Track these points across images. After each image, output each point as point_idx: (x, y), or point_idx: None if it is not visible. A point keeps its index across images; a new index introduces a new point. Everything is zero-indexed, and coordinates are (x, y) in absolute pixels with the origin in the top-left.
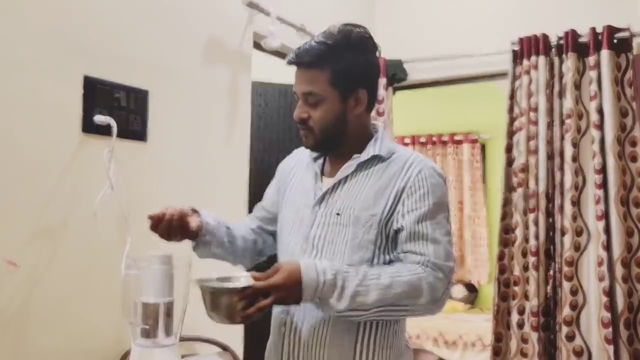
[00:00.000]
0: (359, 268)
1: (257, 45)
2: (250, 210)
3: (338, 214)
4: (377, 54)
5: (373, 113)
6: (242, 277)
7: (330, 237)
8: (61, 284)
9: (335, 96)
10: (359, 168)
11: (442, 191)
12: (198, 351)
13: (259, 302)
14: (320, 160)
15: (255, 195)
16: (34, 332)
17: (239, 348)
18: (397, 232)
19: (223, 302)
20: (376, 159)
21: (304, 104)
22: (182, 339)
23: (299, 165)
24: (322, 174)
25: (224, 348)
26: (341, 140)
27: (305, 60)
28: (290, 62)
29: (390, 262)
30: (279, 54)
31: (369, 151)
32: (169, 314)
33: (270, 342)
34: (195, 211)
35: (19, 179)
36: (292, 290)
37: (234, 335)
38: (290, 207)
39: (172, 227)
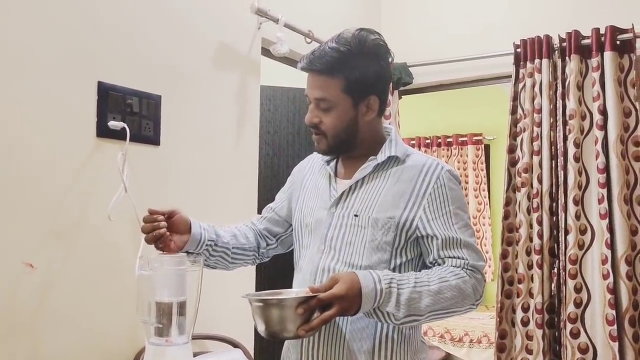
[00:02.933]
0: (408, 274)
1: (266, 51)
2: (259, 213)
3: (356, 216)
4: (390, 60)
5: None
6: (293, 292)
7: (348, 238)
8: (76, 285)
9: (348, 103)
10: (375, 169)
11: (460, 194)
12: (210, 349)
13: (322, 314)
14: (333, 163)
15: (265, 198)
16: (50, 332)
17: (250, 346)
18: (426, 238)
19: (285, 315)
20: (392, 160)
21: (315, 109)
22: (195, 337)
23: (312, 169)
24: (336, 175)
25: (236, 345)
26: (353, 144)
27: (318, 67)
28: (303, 69)
29: (408, 262)
30: (287, 59)
31: (385, 152)
32: (182, 312)
33: (289, 340)
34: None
35: (35, 183)
36: (353, 301)
37: (246, 332)
38: (305, 209)
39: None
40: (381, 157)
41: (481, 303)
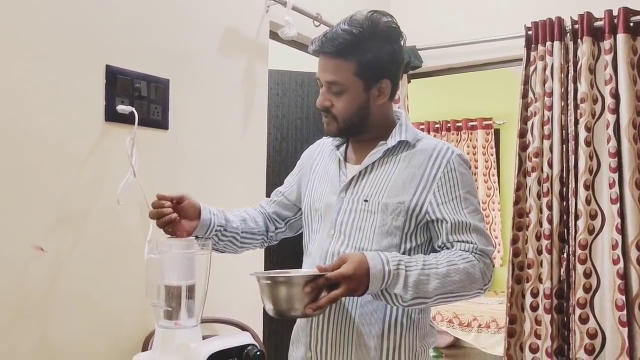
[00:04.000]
0: (417, 257)
1: (274, 35)
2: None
3: (366, 201)
4: (402, 42)
5: None
6: (302, 271)
7: (358, 223)
8: (85, 269)
9: (360, 86)
10: (385, 154)
11: (470, 179)
12: (219, 332)
13: (330, 293)
14: (343, 148)
15: (273, 183)
16: (59, 315)
17: (259, 330)
18: (435, 222)
19: (289, 293)
20: (402, 145)
21: (327, 92)
22: (203, 321)
23: (322, 154)
24: (346, 160)
25: (245, 329)
26: (364, 128)
27: (330, 49)
28: (315, 52)
29: (418, 247)
30: (296, 43)
31: (395, 137)
32: (191, 296)
33: (298, 324)
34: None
35: (44, 167)
36: (361, 281)
37: (255, 316)
38: (315, 194)
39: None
40: (391, 141)
41: (489, 288)
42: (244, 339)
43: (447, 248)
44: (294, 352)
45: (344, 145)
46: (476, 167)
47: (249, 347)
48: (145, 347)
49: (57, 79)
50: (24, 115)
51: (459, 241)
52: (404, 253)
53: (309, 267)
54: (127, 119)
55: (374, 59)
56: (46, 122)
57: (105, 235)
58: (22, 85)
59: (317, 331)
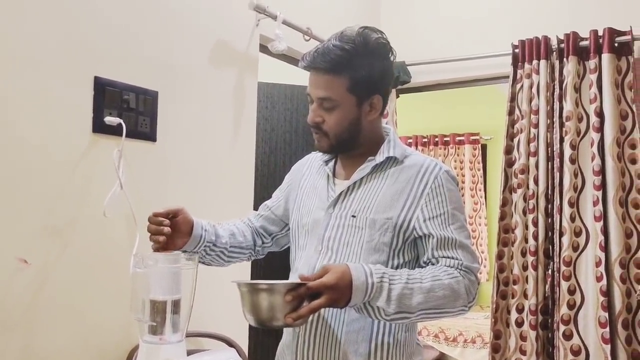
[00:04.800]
0: (401, 271)
1: (264, 48)
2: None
3: (354, 216)
4: (392, 58)
5: None
6: (284, 281)
7: (345, 239)
8: (70, 282)
9: (352, 102)
10: (374, 170)
11: (458, 195)
12: (204, 346)
13: (311, 303)
14: (332, 163)
15: (261, 196)
16: (44, 328)
17: (244, 343)
18: (422, 238)
19: (273, 302)
20: (390, 161)
21: (318, 108)
22: (189, 335)
23: (310, 169)
24: (335, 176)
25: (230, 343)
26: (354, 144)
27: (322, 65)
28: (306, 67)
29: (405, 263)
30: (286, 57)
31: (384, 153)
32: (176, 311)
33: (284, 341)
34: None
35: (30, 178)
36: (344, 292)
37: (240, 330)
38: (302, 209)
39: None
40: (379, 157)
41: (473, 306)
42: (229, 354)
43: (432, 264)
44: None
45: (333, 160)
46: (463, 182)
47: None
48: None
49: (46, 90)
50: (11, 125)
51: (444, 257)
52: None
53: None
54: (115, 131)
55: (366, 74)
56: (33, 133)
57: (91, 247)
58: (10, 96)
59: (303, 349)
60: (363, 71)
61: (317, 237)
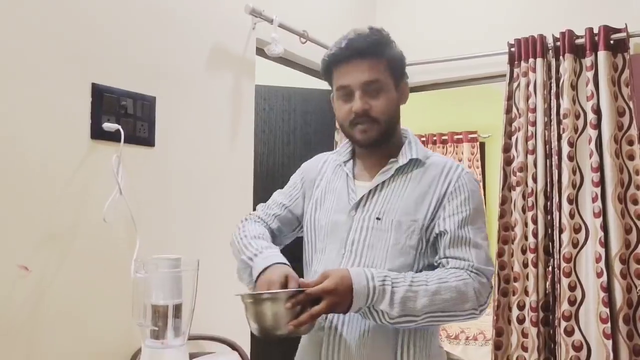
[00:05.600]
0: (405, 274)
1: (260, 51)
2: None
3: (378, 219)
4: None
5: None
6: (285, 290)
7: (370, 241)
8: (71, 288)
9: (392, 84)
10: (397, 172)
11: (480, 197)
12: (206, 349)
13: (312, 309)
14: (350, 164)
15: (260, 197)
16: (46, 334)
17: (246, 346)
18: (438, 236)
19: (272, 310)
20: (413, 163)
21: (363, 95)
22: (190, 338)
23: (325, 169)
24: (354, 177)
25: (232, 346)
26: (393, 134)
27: (362, 46)
28: (343, 58)
29: (430, 266)
30: (282, 59)
31: (407, 155)
32: (177, 315)
33: (304, 345)
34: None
35: (29, 185)
36: (344, 296)
37: (242, 333)
38: (320, 211)
39: None
40: (402, 159)
41: (485, 309)
42: (232, 358)
43: (443, 265)
44: None
45: (350, 161)
46: None
47: None
48: None
49: (43, 97)
50: (9, 133)
51: (455, 257)
52: (417, 272)
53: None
54: (113, 137)
55: (398, 55)
56: (31, 140)
57: (91, 253)
58: (8, 103)
59: (327, 353)
60: (395, 52)
61: (339, 240)
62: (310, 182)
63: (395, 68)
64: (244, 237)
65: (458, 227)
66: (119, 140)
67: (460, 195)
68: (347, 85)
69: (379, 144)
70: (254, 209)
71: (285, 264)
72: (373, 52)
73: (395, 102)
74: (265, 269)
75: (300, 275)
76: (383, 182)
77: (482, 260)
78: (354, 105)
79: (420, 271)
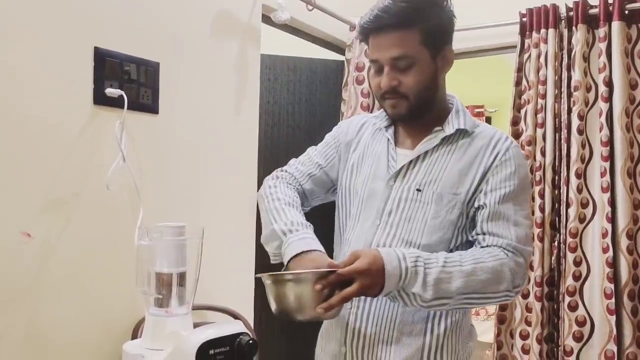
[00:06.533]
0: (437, 254)
1: (266, 19)
2: (259, 184)
3: (419, 190)
4: (451, 6)
5: None
6: (312, 270)
7: (408, 214)
8: (74, 255)
9: (427, 56)
10: (442, 142)
11: (526, 172)
12: (210, 319)
13: (343, 291)
14: (392, 130)
15: (264, 168)
16: (49, 302)
17: (249, 316)
18: (477, 209)
19: (302, 292)
20: (460, 133)
21: (391, 70)
22: (195, 308)
23: (364, 131)
24: (396, 144)
25: (236, 316)
26: (432, 105)
27: (390, 21)
28: (370, 31)
29: (468, 242)
30: (288, 27)
31: (453, 124)
32: (182, 283)
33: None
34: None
35: (31, 151)
36: (377, 278)
37: (245, 303)
38: (357, 175)
39: None
40: (448, 129)
41: (519, 292)
42: (236, 327)
43: (479, 242)
44: (325, 347)
45: (392, 127)
46: None
47: (241, 336)
48: (135, 335)
49: (44, 61)
50: (10, 98)
51: (492, 233)
52: (454, 249)
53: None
54: (116, 103)
55: (437, 23)
56: (33, 106)
57: (94, 220)
58: (7, 68)
59: (355, 327)
60: (433, 20)
61: (375, 209)
62: (346, 145)
63: (434, 36)
64: (276, 199)
65: (499, 202)
66: (122, 107)
67: (506, 169)
68: (376, 59)
69: (413, 117)
70: (258, 179)
71: (322, 251)
72: (402, 24)
73: (430, 74)
74: (300, 253)
75: (331, 241)
76: (426, 152)
77: (521, 240)
78: (381, 82)
79: (458, 248)
